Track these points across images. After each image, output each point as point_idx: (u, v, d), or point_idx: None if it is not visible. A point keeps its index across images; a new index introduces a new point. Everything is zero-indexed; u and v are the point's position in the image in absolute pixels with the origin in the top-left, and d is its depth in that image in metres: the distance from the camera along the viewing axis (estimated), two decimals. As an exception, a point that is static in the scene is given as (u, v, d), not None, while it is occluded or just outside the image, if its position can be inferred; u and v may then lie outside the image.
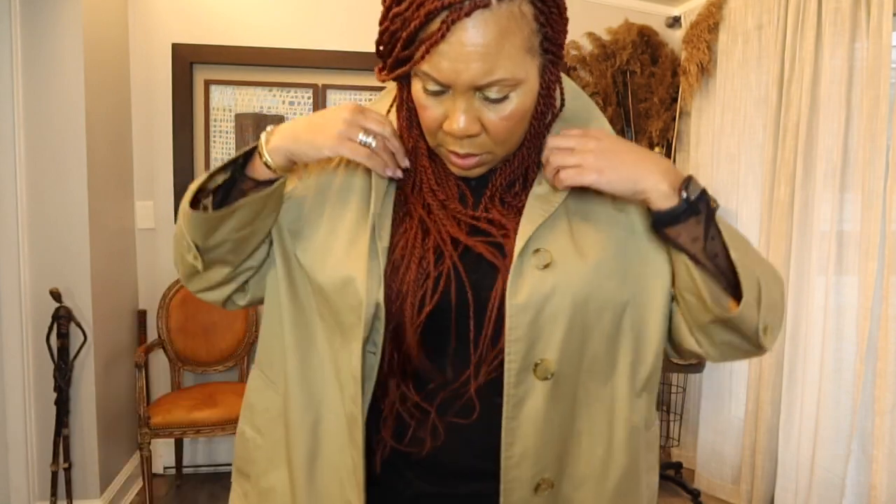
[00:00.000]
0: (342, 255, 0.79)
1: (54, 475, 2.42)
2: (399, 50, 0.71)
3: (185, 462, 3.03)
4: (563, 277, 0.75)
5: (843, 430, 2.35)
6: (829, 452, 2.39)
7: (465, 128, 0.72)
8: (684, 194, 0.74)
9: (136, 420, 2.58)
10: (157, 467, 3.03)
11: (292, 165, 0.80)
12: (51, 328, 2.37)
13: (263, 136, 0.79)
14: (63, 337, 2.38)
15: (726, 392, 2.91)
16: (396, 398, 0.80)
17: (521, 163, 0.80)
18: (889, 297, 2.15)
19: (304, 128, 0.78)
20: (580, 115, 0.85)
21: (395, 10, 0.71)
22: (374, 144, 0.77)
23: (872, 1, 2.23)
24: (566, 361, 0.77)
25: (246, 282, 0.89)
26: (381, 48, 0.75)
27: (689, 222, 0.75)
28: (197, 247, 0.80)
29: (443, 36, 0.67)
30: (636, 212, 0.81)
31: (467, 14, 0.66)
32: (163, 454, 3.04)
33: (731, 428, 2.88)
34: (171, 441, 2.99)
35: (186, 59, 2.90)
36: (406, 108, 0.81)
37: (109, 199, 2.66)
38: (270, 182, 0.80)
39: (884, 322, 2.16)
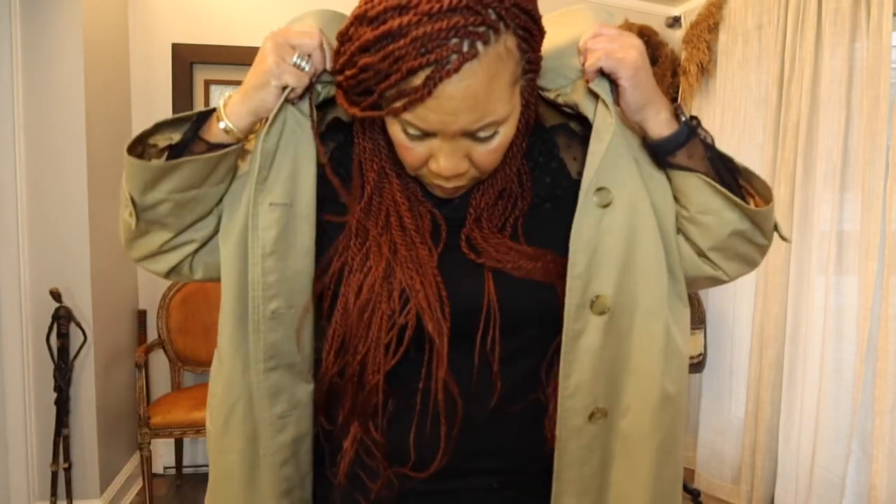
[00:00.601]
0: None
1: (54, 475, 2.42)
2: (374, 98, 0.67)
3: (185, 462, 3.03)
4: (620, 216, 0.75)
5: (843, 430, 2.35)
6: (829, 452, 2.39)
7: (454, 170, 0.70)
8: (683, 118, 0.76)
9: (136, 420, 2.58)
10: (157, 467, 3.03)
11: (253, 126, 0.76)
12: (51, 328, 2.37)
13: (221, 100, 0.76)
14: (63, 337, 2.38)
15: (726, 392, 2.91)
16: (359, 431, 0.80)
17: (504, 179, 0.79)
18: (889, 297, 2.15)
19: (247, 78, 0.75)
20: (565, 51, 0.78)
21: (366, 60, 0.65)
22: (307, 68, 0.72)
23: (872, 1, 2.23)
24: (621, 297, 0.77)
25: (192, 255, 0.82)
26: (345, 85, 0.70)
27: (692, 142, 0.77)
28: (133, 202, 0.75)
29: (429, 93, 0.62)
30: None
31: (456, 70, 0.61)
32: (163, 454, 3.04)
33: (731, 428, 2.88)
34: (171, 441, 2.99)
35: (186, 59, 2.89)
36: (372, 131, 0.76)
37: (109, 199, 2.66)
38: (223, 146, 0.75)
39: (884, 322, 2.16)
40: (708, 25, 2.91)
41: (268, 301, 0.76)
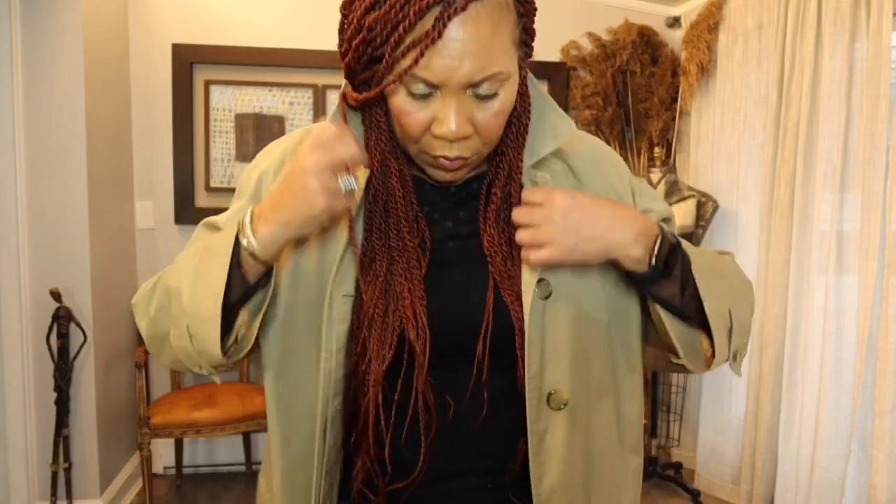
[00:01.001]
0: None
1: (54, 475, 2.42)
2: (387, 57, 0.66)
3: (185, 462, 3.03)
4: (563, 306, 0.76)
5: (843, 430, 2.35)
6: (829, 452, 2.39)
7: (459, 129, 0.69)
8: (653, 261, 0.73)
9: (136, 420, 2.58)
10: (157, 467, 3.03)
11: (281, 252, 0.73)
12: (51, 328, 2.37)
13: (246, 227, 0.70)
14: (63, 337, 2.38)
15: (726, 392, 2.91)
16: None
17: (509, 165, 0.79)
18: (889, 297, 2.15)
19: (286, 206, 0.69)
20: (535, 108, 0.82)
21: (373, 16, 0.66)
22: (355, 186, 0.70)
23: (872, 1, 2.23)
24: (576, 388, 0.78)
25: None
26: (353, 64, 0.71)
27: (664, 282, 0.75)
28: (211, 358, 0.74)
29: (439, 35, 0.63)
30: None
31: (463, 8, 0.63)
32: (163, 454, 3.05)
33: (731, 428, 2.87)
34: (171, 441, 2.99)
35: (186, 60, 2.90)
36: (374, 121, 0.76)
37: (109, 199, 2.66)
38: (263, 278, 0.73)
39: (884, 322, 2.16)
40: (708, 25, 2.92)
41: (335, 397, 0.76)
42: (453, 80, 0.66)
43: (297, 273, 0.78)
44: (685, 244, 0.78)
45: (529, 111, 0.80)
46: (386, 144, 0.76)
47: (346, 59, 0.72)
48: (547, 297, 0.75)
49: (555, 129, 0.81)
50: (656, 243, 0.74)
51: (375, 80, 0.70)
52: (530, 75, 0.83)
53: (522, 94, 0.77)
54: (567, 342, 0.76)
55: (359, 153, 0.69)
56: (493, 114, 0.71)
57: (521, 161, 0.79)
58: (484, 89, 0.68)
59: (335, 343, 0.74)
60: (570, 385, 0.77)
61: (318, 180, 0.67)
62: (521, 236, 0.71)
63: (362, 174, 0.76)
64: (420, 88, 0.68)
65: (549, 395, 0.76)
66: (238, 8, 2.95)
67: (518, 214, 0.72)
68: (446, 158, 0.72)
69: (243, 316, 0.74)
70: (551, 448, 0.77)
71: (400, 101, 0.70)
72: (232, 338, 0.74)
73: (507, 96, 0.71)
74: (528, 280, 0.75)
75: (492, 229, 0.78)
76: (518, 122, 0.78)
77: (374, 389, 0.74)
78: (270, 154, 0.88)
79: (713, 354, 0.78)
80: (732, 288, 0.81)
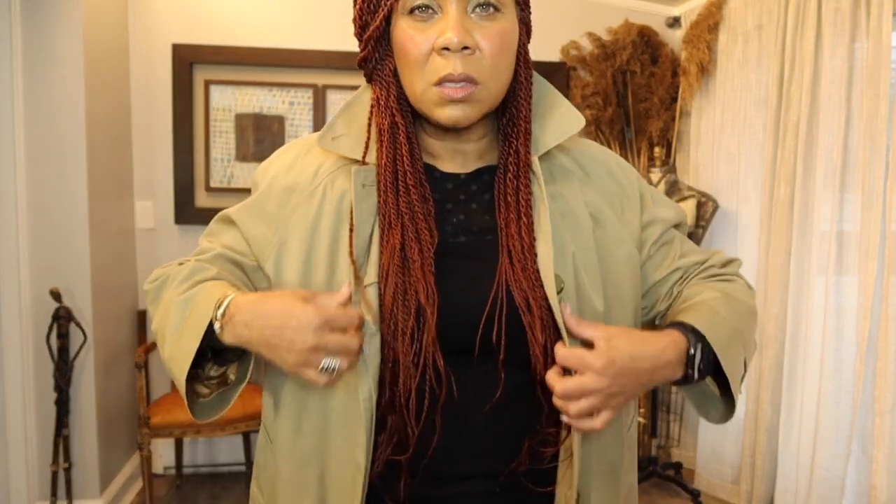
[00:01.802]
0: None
1: (54, 475, 2.42)
2: (386, 4, 0.75)
3: (185, 462, 3.03)
4: (569, 296, 0.78)
5: (843, 430, 2.35)
6: (829, 452, 2.39)
7: (460, 36, 0.72)
8: (690, 371, 0.76)
9: (136, 420, 2.58)
10: (157, 467, 3.03)
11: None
12: (51, 328, 2.37)
13: (217, 320, 0.73)
14: (63, 337, 2.38)
15: (726, 392, 2.91)
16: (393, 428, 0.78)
17: (517, 153, 0.81)
18: (889, 297, 2.15)
19: (262, 338, 0.71)
20: (544, 101, 0.86)
21: None
22: (336, 369, 0.70)
23: (872, 1, 2.23)
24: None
25: None
26: (364, 14, 0.78)
27: (693, 385, 0.80)
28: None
29: None
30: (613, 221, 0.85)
31: None
32: (163, 454, 3.05)
33: (731, 428, 2.87)
34: (171, 441, 2.99)
35: (186, 60, 2.90)
36: (383, 80, 0.81)
37: (109, 199, 2.66)
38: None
39: (884, 322, 2.16)
40: (708, 25, 2.92)
41: (373, 381, 0.77)
42: None
43: (309, 268, 0.80)
44: (707, 322, 0.78)
45: (531, 81, 0.83)
46: (395, 103, 0.79)
47: (356, 10, 0.79)
48: (560, 292, 0.77)
49: (563, 121, 0.84)
50: (688, 357, 0.76)
51: (380, 8, 0.76)
52: (537, 75, 0.86)
53: (523, 61, 0.81)
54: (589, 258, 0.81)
55: (355, 347, 0.70)
56: (494, 32, 0.75)
57: (529, 149, 0.81)
58: (482, 2, 0.74)
59: (368, 329, 0.75)
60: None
61: (311, 346, 0.68)
62: (573, 410, 0.70)
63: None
64: (419, 1, 0.74)
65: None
66: (238, 8, 2.95)
67: (562, 387, 0.70)
68: (452, 80, 0.74)
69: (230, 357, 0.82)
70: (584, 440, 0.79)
71: (402, 28, 0.75)
72: (216, 378, 0.82)
73: (506, 24, 0.76)
74: (546, 273, 0.76)
75: (510, 224, 0.79)
76: (523, 88, 0.81)
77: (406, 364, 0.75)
78: (285, 154, 0.89)
79: (725, 399, 0.83)
80: (747, 336, 0.84)
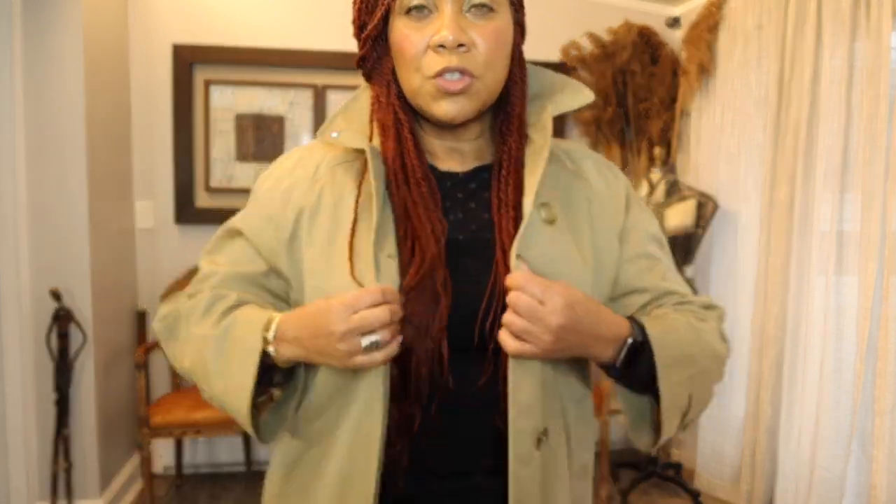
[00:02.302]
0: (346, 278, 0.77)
1: (54, 475, 2.42)
2: (383, 5, 0.77)
3: (185, 462, 3.03)
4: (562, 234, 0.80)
5: (843, 430, 2.35)
6: (829, 452, 2.39)
7: (455, 33, 0.74)
8: (617, 357, 0.77)
9: (136, 420, 2.58)
10: (157, 467, 3.03)
11: None
12: (51, 328, 2.37)
13: (269, 336, 0.76)
14: (63, 337, 2.38)
15: (726, 392, 2.91)
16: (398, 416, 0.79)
17: (510, 150, 0.82)
18: (889, 297, 2.15)
19: (310, 348, 0.74)
20: (543, 93, 0.87)
21: None
22: (379, 340, 0.71)
23: (872, 1, 2.23)
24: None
25: None
26: (363, 15, 0.81)
27: (625, 375, 0.80)
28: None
29: None
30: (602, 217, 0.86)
31: None
32: (163, 454, 3.05)
33: (731, 428, 2.87)
34: (171, 441, 2.99)
35: (186, 60, 2.90)
36: (383, 78, 0.83)
37: (109, 199, 2.66)
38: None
39: (884, 322, 2.16)
40: (708, 25, 2.91)
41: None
42: None
43: (324, 252, 0.81)
44: (661, 331, 0.78)
45: (526, 80, 0.85)
46: (396, 100, 0.82)
47: (355, 10, 0.82)
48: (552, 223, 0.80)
49: (577, 95, 0.86)
50: (622, 344, 0.77)
51: (378, 9, 0.79)
52: (536, 67, 0.89)
53: (518, 60, 0.84)
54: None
55: (388, 317, 0.71)
56: (489, 30, 0.77)
57: (523, 146, 0.83)
58: (478, 0, 0.76)
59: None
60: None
61: (344, 345, 0.71)
62: (510, 325, 0.72)
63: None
64: (415, 2, 0.76)
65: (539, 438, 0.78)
66: (238, 8, 2.95)
67: (515, 298, 0.72)
68: (448, 72, 0.75)
69: (278, 378, 0.82)
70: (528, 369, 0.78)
71: (399, 29, 0.77)
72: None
73: (501, 23, 0.78)
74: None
75: (503, 220, 0.80)
76: (517, 87, 0.83)
77: (438, 333, 0.75)
78: (286, 161, 0.90)
79: (658, 432, 0.82)
80: (701, 372, 0.82)
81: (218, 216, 2.93)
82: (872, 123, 2.21)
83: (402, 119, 0.81)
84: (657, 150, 2.91)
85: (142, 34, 2.89)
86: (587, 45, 3.18)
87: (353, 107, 0.87)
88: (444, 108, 0.77)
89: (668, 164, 2.90)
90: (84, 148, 2.41)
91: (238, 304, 0.82)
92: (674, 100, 3.15)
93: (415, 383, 0.76)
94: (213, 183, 2.97)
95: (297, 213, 0.83)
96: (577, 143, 0.95)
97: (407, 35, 0.77)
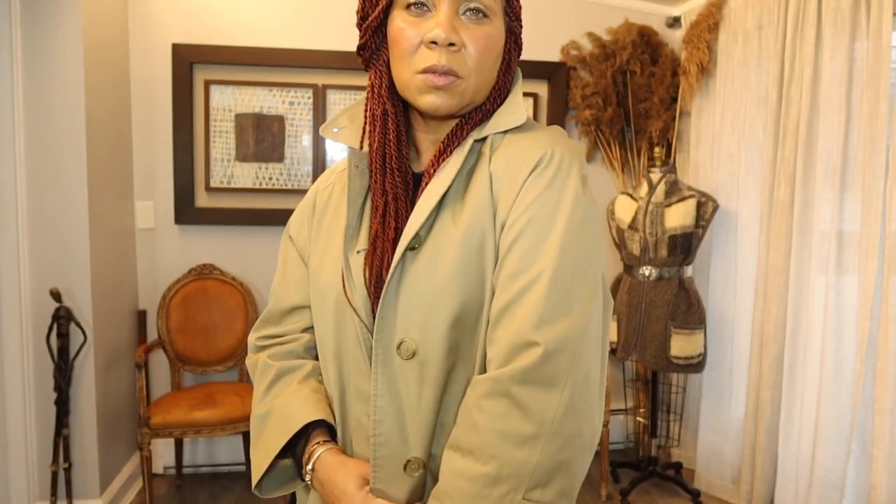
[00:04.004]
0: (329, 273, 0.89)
1: (54, 475, 2.42)
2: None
3: (185, 462, 3.03)
4: (425, 262, 0.81)
5: (843, 430, 2.35)
6: (829, 452, 2.39)
7: (447, 33, 0.78)
8: None
9: (136, 420, 2.58)
10: (157, 467, 3.03)
11: None
12: (51, 328, 2.37)
13: (308, 468, 0.88)
14: (63, 337, 2.38)
15: (726, 392, 2.91)
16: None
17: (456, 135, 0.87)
18: (889, 297, 2.15)
19: (331, 498, 0.85)
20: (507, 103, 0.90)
21: None
22: None
23: (872, 1, 2.23)
24: (430, 342, 0.80)
25: None
26: (364, 6, 0.86)
27: None
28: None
29: None
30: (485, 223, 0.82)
31: None
32: (163, 454, 3.05)
33: (731, 428, 2.88)
34: (171, 441, 2.99)
35: (186, 59, 2.90)
36: (378, 70, 0.87)
37: (109, 199, 2.66)
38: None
39: (884, 322, 2.16)
40: (708, 25, 2.91)
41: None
42: None
43: (327, 246, 0.92)
44: None
45: (508, 89, 0.88)
46: (386, 92, 0.86)
47: (360, 2, 0.86)
48: (413, 250, 0.82)
49: (503, 117, 0.87)
50: None
51: (380, 1, 0.83)
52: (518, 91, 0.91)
53: (505, 69, 0.87)
54: (421, 294, 0.80)
55: None
56: (480, 34, 0.80)
57: (470, 132, 0.86)
58: (474, 5, 0.80)
59: (358, 294, 0.84)
60: (421, 339, 0.80)
61: None
62: None
63: None
64: (416, 3, 0.80)
65: (399, 343, 0.81)
66: (238, 8, 2.95)
67: None
68: (436, 70, 0.79)
69: None
70: (395, 393, 0.83)
71: (397, 21, 0.82)
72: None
73: (492, 29, 0.82)
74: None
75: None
76: (498, 92, 0.87)
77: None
78: (327, 171, 1.04)
79: None
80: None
81: (218, 216, 2.96)
82: (872, 123, 2.22)
83: (389, 111, 0.86)
84: (657, 150, 2.91)
85: (142, 34, 2.89)
86: (587, 45, 3.18)
87: (358, 107, 0.93)
88: (429, 101, 0.81)
89: (668, 164, 2.90)
90: (84, 148, 2.41)
91: (288, 392, 0.92)
92: (674, 100, 3.15)
93: None
94: (213, 183, 2.97)
95: (317, 214, 0.96)
96: (541, 133, 0.85)
97: (403, 28, 0.81)
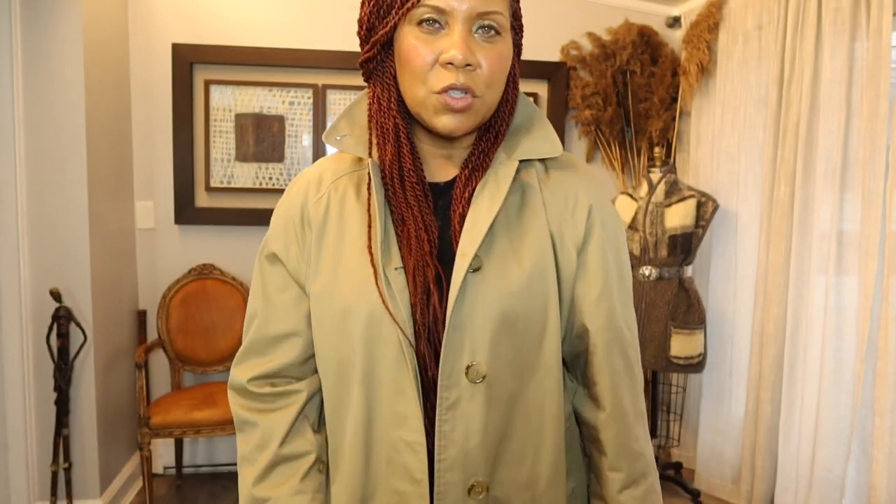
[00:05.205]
0: (354, 289, 0.83)
1: (54, 475, 2.42)
2: (392, 16, 0.78)
3: (185, 462, 3.03)
4: (492, 283, 0.81)
5: (843, 430, 2.35)
6: (829, 452, 2.39)
7: (464, 54, 0.76)
8: None
9: (136, 420, 2.58)
10: (157, 467, 3.03)
11: None
12: (51, 328, 2.37)
13: None
14: (63, 337, 2.38)
15: (726, 392, 2.91)
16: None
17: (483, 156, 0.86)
18: (889, 297, 2.15)
19: None
20: (531, 120, 0.90)
21: None
22: None
23: (872, 1, 2.23)
24: (497, 364, 0.81)
25: None
26: (371, 19, 0.82)
27: None
28: None
29: None
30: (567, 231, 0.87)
31: None
32: (163, 454, 3.05)
33: (731, 428, 2.88)
34: (171, 441, 2.99)
35: (186, 59, 2.90)
36: (385, 84, 0.84)
37: (109, 199, 2.66)
38: None
39: (884, 322, 2.16)
40: (708, 25, 2.91)
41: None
42: (461, 7, 0.76)
43: (336, 266, 0.85)
44: None
45: (516, 100, 0.88)
46: (395, 105, 0.84)
47: (364, 12, 0.83)
48: (476, 271, 0.81)
49: (540, 143, 0.87)
50: None
51: (390, 17, 0.80)
52: (527, 98, 0.92)
53: (512, 81, 0.86)
54: (492, 319, 0.81)
55: None
56: (494, 53, 0.79)
57: (495, 152, 0.86)
58: (487, 22, 0.78)
59: (404, 311, 0.80)
60: (489, 360, 0.81)
61: None
62: None
63: None
64: (429, 19, 0.77)
65: (468, 367, 0.80)
66: (238, 8, 2.95)
67: None
68: (454, 89, 0.77)
69: None
70: (462, 417, 0.81)
71: (409, 40, 0.78)
72: None
73: (504, 47, 0.80)
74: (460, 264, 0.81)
75: (455, 216, 0.85)
76: (507, 105, 0.86)
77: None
78: (300, 180, 0.94)
79: None
80: None
81: (218, 216, 2.96)
82: (872, 123, 2.22)
83: (400, 125, 0.84)
84: (657, 150, 2.91)
85: (142, 34, 2.89)
86: (587, 45, 3.18)
87: (355, 111, 0.89)
88: (444, 122, 0.79)
89: (668, 164, 2.90)
90: (84, 148, 2.41)
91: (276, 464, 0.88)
92: (674, 99, 3.15)
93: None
94: (213, 183, 2.97)
95: (312, 228, 0.88)
96: (569, 168, 0.92)
97: (416, 46, 0.78)
